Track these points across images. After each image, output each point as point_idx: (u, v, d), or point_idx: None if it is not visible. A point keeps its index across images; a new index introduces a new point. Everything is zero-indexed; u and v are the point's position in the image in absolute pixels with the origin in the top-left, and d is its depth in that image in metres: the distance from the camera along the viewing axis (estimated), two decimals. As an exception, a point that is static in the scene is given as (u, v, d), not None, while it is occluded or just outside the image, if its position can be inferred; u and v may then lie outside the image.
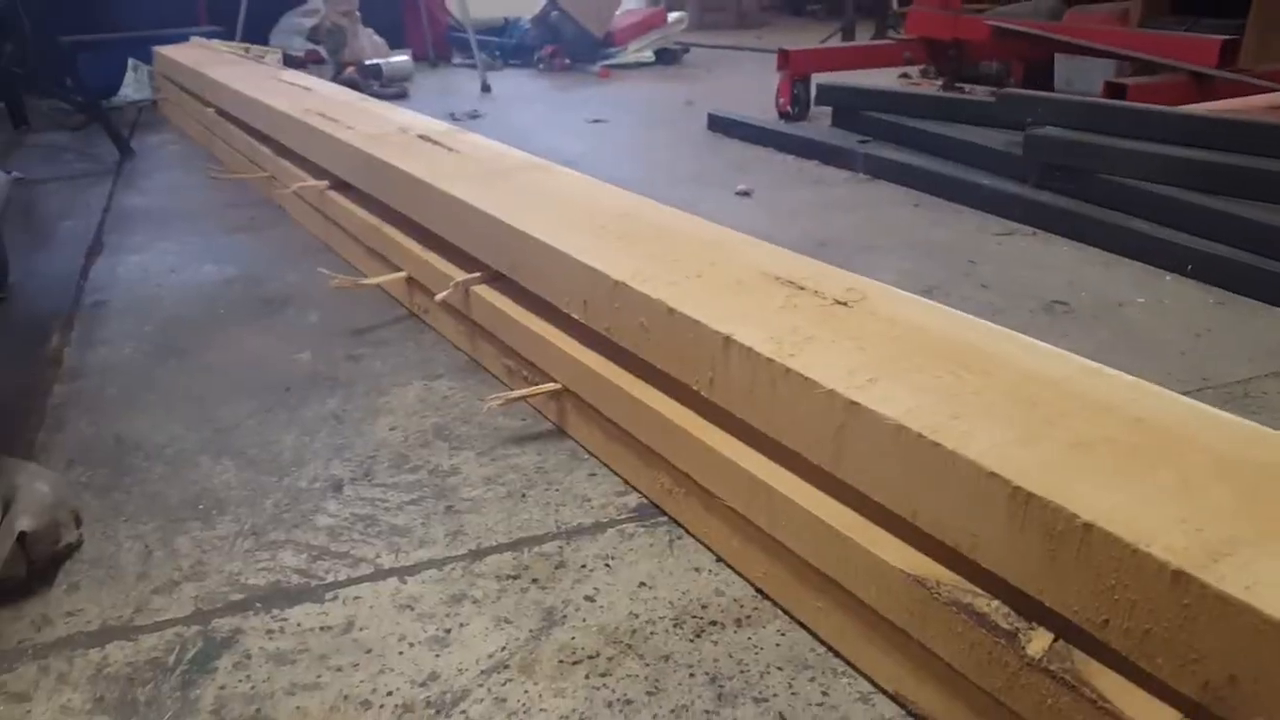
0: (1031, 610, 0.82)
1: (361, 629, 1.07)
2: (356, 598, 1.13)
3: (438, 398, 1.61)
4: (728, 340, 1.09)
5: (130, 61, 4.39)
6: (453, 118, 4.05)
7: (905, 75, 4.67)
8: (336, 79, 4.36)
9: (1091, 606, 0.75)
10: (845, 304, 1.17)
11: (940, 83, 4.44)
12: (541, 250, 1.43)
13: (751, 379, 1.06)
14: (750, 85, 4.63)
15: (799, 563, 1.04)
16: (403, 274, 1.90)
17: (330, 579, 1.16)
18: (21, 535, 1.12)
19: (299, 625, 1.08)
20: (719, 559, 1.18)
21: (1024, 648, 0.80)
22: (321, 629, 1.08)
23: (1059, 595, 0.77)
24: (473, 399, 1.59)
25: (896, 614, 0.91)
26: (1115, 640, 0.74)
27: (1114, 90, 2.87)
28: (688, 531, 1.24)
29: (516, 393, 1.47)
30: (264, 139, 2.75)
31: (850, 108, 3.35)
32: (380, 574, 1.17)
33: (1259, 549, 0.70)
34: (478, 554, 1.20)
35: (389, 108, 2.53)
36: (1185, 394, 1.60)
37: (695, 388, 1.17)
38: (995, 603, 0.84)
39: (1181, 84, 2.89)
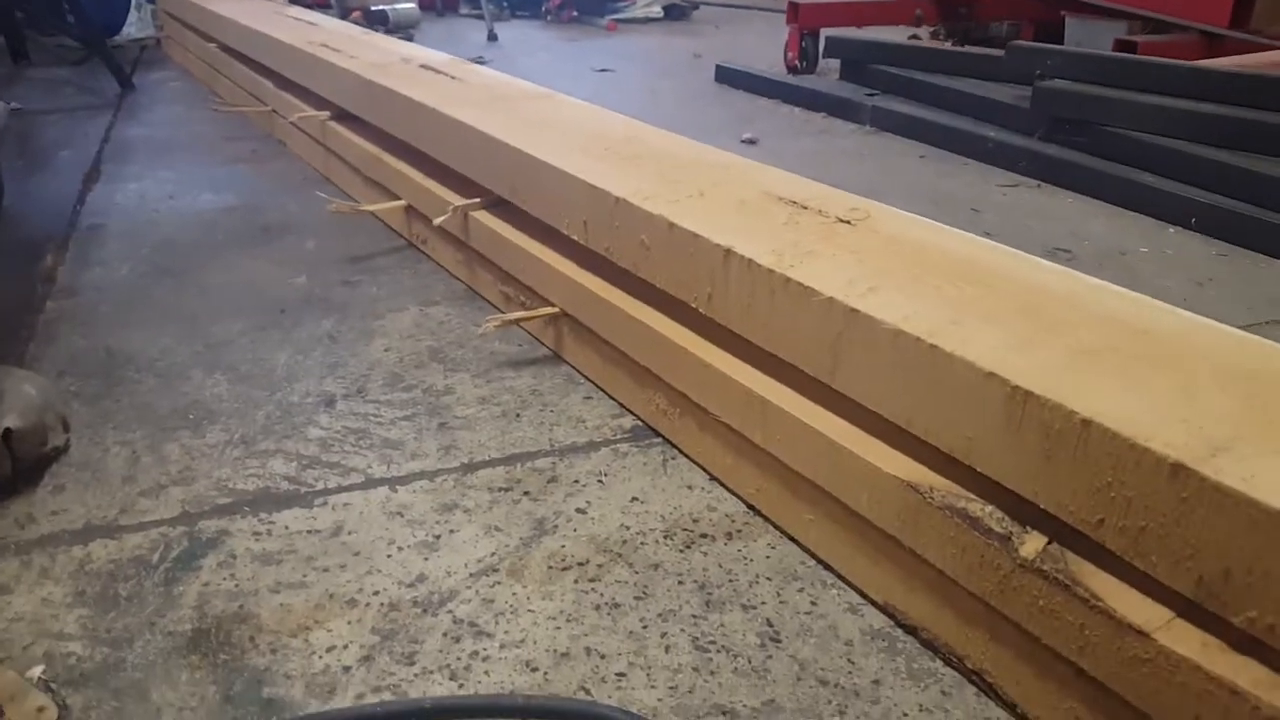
0: (1025, 514, 0.81)
1: (350, 533, 1.07)
2: (346, 504, 1.12)
3: (434, 323, 1.59)
4: (728, 253, 1.07)
5: (133, -1, 4.33)
6: (457, 64, 4.00)
7: (915, 37, 4.61)
8: (340, 23, 4.31)
9: (1087, 505, 0.74)
10: (848, 222, 1.15)
11: (950, 44, 4.39)
12: (544, 171, 1.41)
13: (751, 292, 1.05)
14: (759, 41, 4.57)
15: (792, 476, 1.03)
16: (402, 202, 1.88)
17: (320, 486, 1.15)
18: (7, 432, 1.11)
19: (286, 528, 1.08)
20: (712, 478, 1.18)
21: (1017, 550, 0.79)
22: (309, 532, 1.07)
23: (1054, 495, 0.76)
24: (469, 325, 1.58)
25: (888, 521, 0.90)
26: (1110, 539, 0.73)
27: (1124, 47, 2.83)
28: (681, 452, 1.23)
29: (513, 315, 1.45)
30: (267, 73, 2.71)
31: (859, 61, 3.30)
32: (371, 483, 1.16)
33: (1259, 446, 0.69)
34: (470, 467, 1.19)
35: (393, 40, 2.50)
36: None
37: (694, 304, 1.15)
38: (989, 507, 0.83)
39: (1192, 43, 2.84)
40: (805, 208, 1.20)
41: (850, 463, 0.94)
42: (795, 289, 0.98)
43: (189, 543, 1.05)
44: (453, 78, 1.96)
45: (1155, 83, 2.29)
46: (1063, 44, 3.91)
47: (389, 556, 1.03)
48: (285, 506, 1.11)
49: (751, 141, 2.80)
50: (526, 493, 1.14)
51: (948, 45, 4.36)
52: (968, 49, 4.21)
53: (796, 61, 3.74)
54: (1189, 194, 2.08)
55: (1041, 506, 0.78)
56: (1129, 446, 0.70)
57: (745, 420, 1.08)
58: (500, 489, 1.15)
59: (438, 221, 1.63)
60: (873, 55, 3.25)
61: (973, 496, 0.85)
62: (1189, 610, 0.71)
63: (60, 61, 3.81)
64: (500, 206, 1.59)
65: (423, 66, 2.08)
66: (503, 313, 1.61)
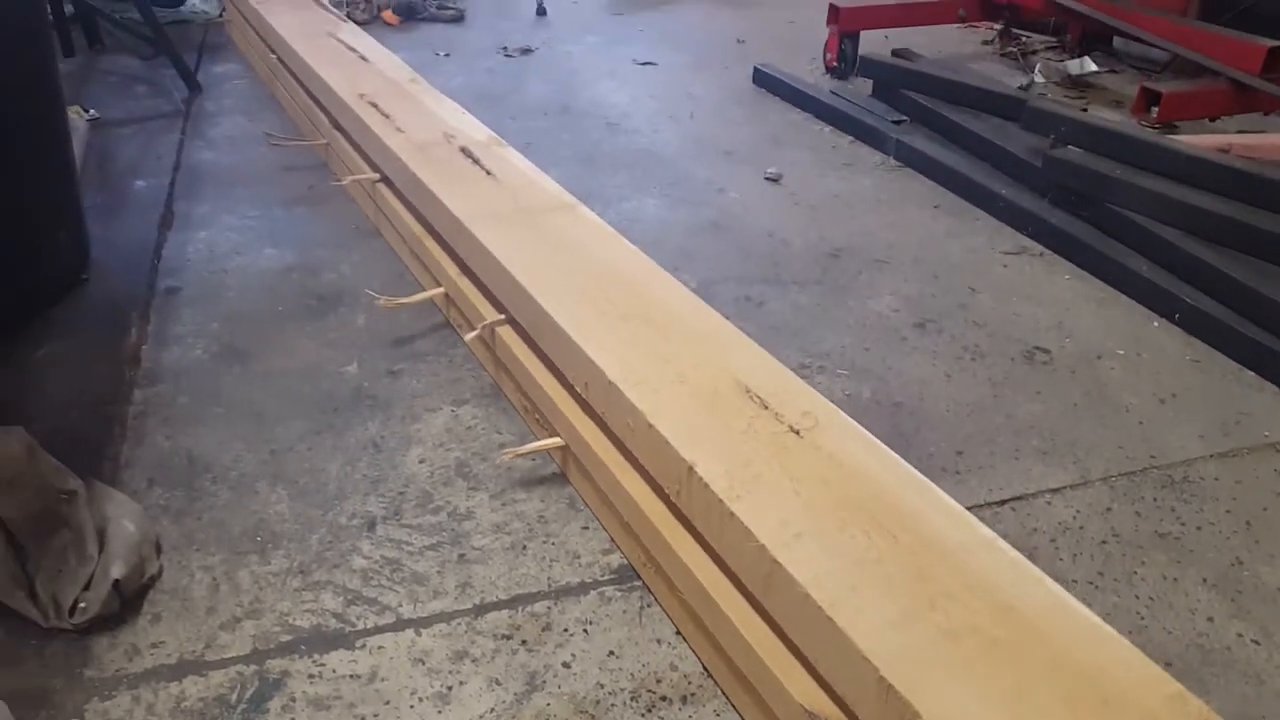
0: (891, 761, 1.05)
1: (382, 680, 1.34)
2: (380, 647, 1.39)
3: (462, 428, 1.83)
4: (690, 470, 1.29)
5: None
6: (505, 52, 4.13)
7: (963, 16, 4.58)
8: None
9: (926, 780, 0.97)
10: (798, 432, 1.35)
11: (997, 28, 4.40)
12: (552, 326, 1.62)
13: (707, 508, 1.27)
14: (807, 16, 4.56)
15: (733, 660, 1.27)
16: (441, 290, 2.10)
17: (360, 625, 1.42)
18: (115, 581, 1.39)
19: (334, 671, 1.35)
20: (678, 632, 1.42)
21: (876, 797, 1.03)
22: (351, 676, 1.35)
23: (905, 765, 0.99)
24: (492, 432, 1.82)
25: (795, 736, 1.15)
26: (939, 809, 0.96)
27: (1149, 96, 2.87)
28: (657, 600, 1.47)
29: (525, 448, 1.69)
30: (321, 106, 2.90)
31: (888, 84, 3.37)
32: (400, 624, 1.43)
33: (1048, 766, 0.91)
34: (481, 609, 1.45)
35: (438, 99, 2.64)
36: (1130, 474, 1.78)
37: (668, 492, 1.38)
38: (867, 749, 1.07)
39: (1221, 92, 2.87)
40: (766, 407, 1.40)
41: (768, 678, 1.18)
42: (737, 525, 1.20)
43: (259, 683, 1.34)
44: (488, 173, 2.15)
45: (1157, 164, 2.38)
46: (1111, 41, 3.92)
47: (411, 707, 1.30)
48: (333, 647, 1.39)
49: (775, 179, 2.94)
50: (524, 641, 1.40)
51: (995, 29, 4.38)
52: (1015, 37, 4.24)
53: (835, 63, 3.80)
54: (1176, 288, 2.21)
55: (899, 766, 1.01)
56: (950, 756, 0.93)
57: (699, 605, 1.32)
58: (503, 636, 1.41)
59: (468, 338, 1.86)
60: (900, 79, 3.30)
61: (856, 737, 1.08)
62: None
63: (130, 49, 3.97)
64: (520, 325, 1.81)
65: (462, 149, 2.26)
66: (521, 419, 1.84)
